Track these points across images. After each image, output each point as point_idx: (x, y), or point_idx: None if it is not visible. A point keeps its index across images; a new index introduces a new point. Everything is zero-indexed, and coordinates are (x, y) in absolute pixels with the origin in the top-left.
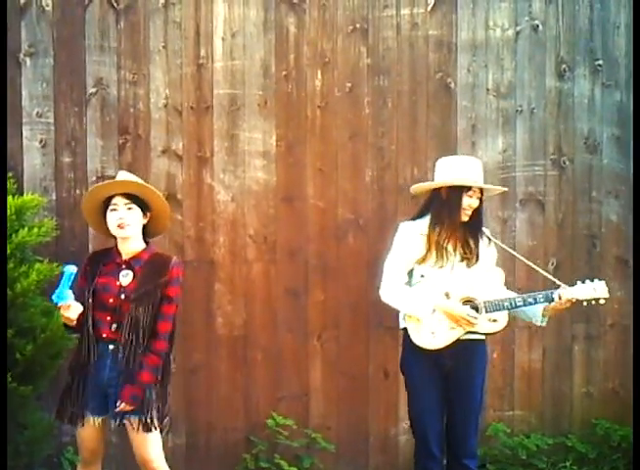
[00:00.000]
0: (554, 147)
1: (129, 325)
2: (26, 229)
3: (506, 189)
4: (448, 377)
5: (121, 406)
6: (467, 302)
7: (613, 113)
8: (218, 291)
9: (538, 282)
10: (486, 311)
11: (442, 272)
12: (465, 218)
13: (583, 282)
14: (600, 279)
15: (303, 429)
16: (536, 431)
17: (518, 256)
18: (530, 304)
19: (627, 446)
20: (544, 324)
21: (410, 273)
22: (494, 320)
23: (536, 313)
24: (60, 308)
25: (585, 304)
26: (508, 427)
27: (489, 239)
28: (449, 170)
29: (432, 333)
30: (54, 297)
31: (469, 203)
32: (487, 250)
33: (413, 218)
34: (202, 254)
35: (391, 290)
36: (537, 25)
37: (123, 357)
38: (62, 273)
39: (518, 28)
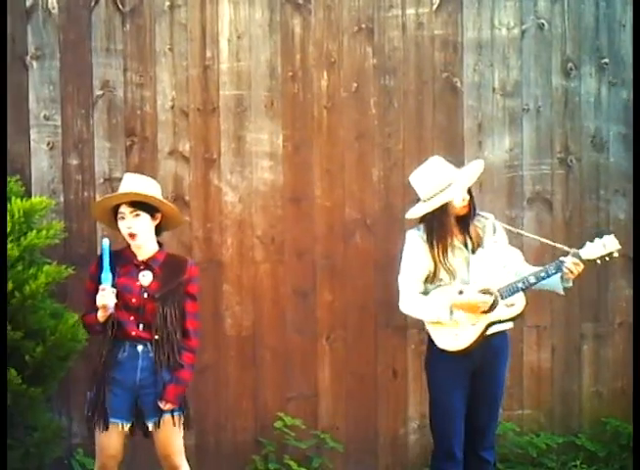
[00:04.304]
0: (561, 145)
1: (159, 324)
2: (35, 232)
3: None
4: (475, 372)
5: (167, 407)
6: (482, 293)
7: (619, 111)
8: (226, 292)
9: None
10: (502, 298)
11: (457, 266)
12: (463, 212)
13: (592, 241)
14: (608, 234)
15: (312, 429)
16: (546, 430)
17: (524, 233)
18: (544, 278)
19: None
20: (570, 285)
21: (427, 279)
22: (512, 304)
23: (556, 284)
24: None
25: (599, 262)
26: (517, 426)
27: (494, 225)
28: (428, 187)
29: (455, 335)
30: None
31: (459, 204)
32: (495, 235)
33: (417, 226)
34: (210, 255)
35: (409, 302)
36: (543, 24)
37: (157, 357)
38: (102, 252)
39: (523, 27)
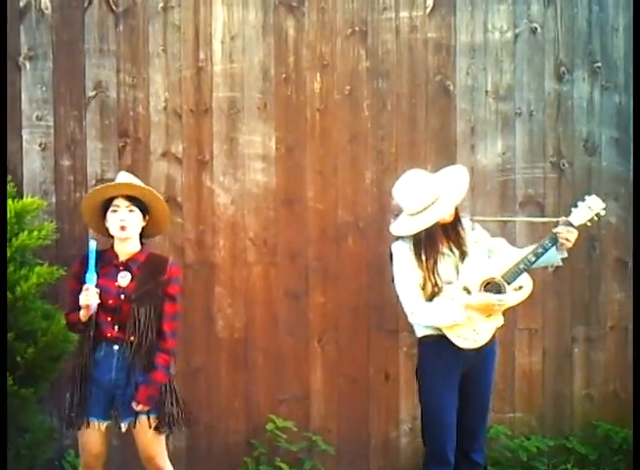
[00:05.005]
0: (553, 149)
1: (133, 326)
2: (26, 232)
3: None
4: (466, 373)
5: (139, 408)
6: (487, 284)
7: (612, 115)
8: (219, 294)
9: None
10: (509, 283)
11: (446, 271)
12: (449, 220)
13: (576, 207)
14: (589, 195)
15: (304, 431)
16: (537, 433)
17: (509, 219)
18: (542, 253)
19: (628, 448)
20: (566, 255)
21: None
22: (520, 287)
23: (553, 257)
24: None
25: (589, 224)
26: (509, 429)
27: (471, 223)
28: (415, 202)
29: (474, 331)
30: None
31: (448, 216)
32: (474, 232)
33: (401, 237)
34: (202, 256)
35: (419, 312)
36: (536, 28)
37: (130, 358)
38: (88, 252)
39: (516, 31)
